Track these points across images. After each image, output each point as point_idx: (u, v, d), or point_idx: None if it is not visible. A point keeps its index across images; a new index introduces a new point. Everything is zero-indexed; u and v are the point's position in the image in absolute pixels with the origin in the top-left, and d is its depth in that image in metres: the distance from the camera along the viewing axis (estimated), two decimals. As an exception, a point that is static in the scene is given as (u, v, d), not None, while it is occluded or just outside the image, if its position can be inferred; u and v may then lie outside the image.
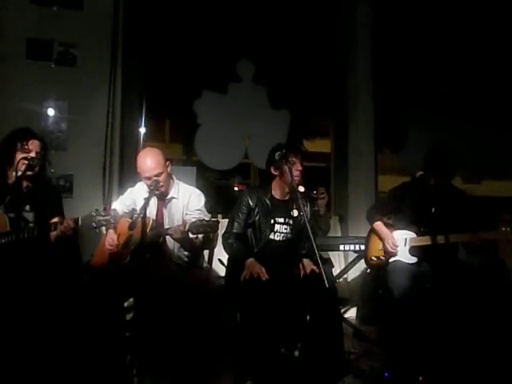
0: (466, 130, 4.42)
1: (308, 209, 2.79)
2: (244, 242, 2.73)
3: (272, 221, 2.73)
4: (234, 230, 2.74)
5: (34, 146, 2.52)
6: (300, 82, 4.32)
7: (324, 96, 4.45)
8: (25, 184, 2.53)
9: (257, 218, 2.72)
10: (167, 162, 2.67)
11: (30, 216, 2.49)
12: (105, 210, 2.49)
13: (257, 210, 2.72)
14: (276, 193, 2.79)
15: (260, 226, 2.72)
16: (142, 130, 3.94)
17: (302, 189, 2.53)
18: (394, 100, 4.48)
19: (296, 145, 2.96)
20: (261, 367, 2.41)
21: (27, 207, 2.49)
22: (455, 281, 2.75)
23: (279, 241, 2.74)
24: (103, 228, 2.56)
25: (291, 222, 2.74)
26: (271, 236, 2.73)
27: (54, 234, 2.41)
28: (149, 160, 2.59)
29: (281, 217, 2.75)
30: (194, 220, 2.38)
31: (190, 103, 4.04)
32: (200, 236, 2.50)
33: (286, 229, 2.75)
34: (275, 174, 2.75)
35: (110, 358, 2.41)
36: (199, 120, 4.07)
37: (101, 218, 2.32)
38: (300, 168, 2.70)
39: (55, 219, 2.39)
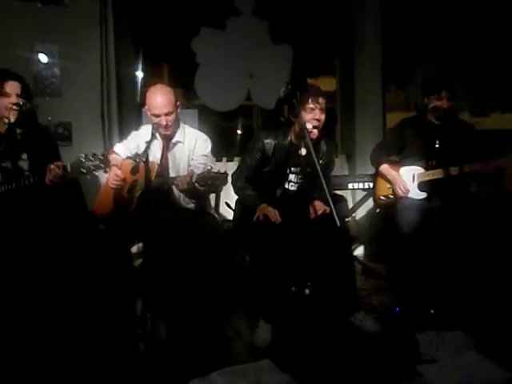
0: (473, 64, 4.24)
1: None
2: (255, 186, 2.65)
3: (288, 170, 2.64)
4: (246, 173, 2.65)
5: (12, 88, 2.37)
6: (303, 16, 4.06)
7: (329, 31, 4.20)
8: (18, 131, 2.42)
9: (272, 167, 2.61)
10: (178, 103, 2.58)
11: (25, 165, 2.41)
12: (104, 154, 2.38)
13: (273, 158, 2.59)
14: (296, 139, 2.61)
15: (275, 175, 2.62)
16: (140, 73, 3.78)
17: (309, 125, 2.42)
18: (402, 35, 4.26)
19: (316, 87, 2.68)
20: (272, 306, 2.44)
21: (24, 156, 2.41)
22: (465, 214, 2.72)
23: (293, 190, 2.67)
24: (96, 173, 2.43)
25: (308, 169, 2.57)
26: (285, 185, 2.66)
27: (46, 178, 2.32)
28: (160, 97, 2.50)
29: (296, 166, 2.63)
30: (201, 171, 2.28)
31: (188, 42, 3.83)
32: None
33: (300, 178, 2.65)
34: (292, 119, 2.56)
35: (119, 304, 2.43)
36: (198, 59, 3.87)
37: (90, 164, 2.21)
38: (317, 117, 2.49)
39: (52, 165, 2.31)
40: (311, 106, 2.49)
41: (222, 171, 2.20)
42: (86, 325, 2.32)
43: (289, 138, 2.63)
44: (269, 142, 2.60)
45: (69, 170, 2.27)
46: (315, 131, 2.51)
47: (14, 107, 2.32)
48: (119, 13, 3.48)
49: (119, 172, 2.48)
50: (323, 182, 2.18)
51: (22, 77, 2.46)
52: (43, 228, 2.34)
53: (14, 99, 2.35)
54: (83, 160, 2.21)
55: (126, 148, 2.72)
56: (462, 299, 2.59)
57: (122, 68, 3.56)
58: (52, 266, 2.34)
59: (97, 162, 2.20)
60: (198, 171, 2.32)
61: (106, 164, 2.22)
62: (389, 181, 2.97)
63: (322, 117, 2.52)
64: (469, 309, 2.49)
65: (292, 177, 2.67)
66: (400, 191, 2.88)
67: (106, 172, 2.36)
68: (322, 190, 2.27)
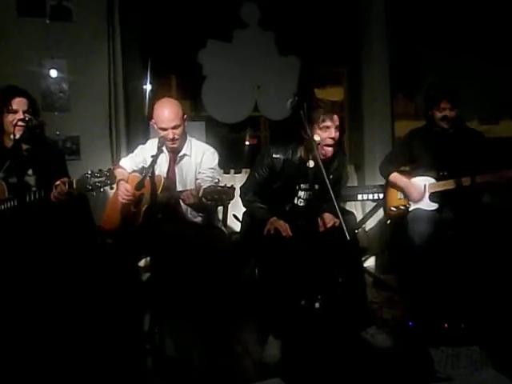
0: (482, 71, 4.19)
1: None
2: (263, 199, 2.60)
3: (297, 187, 2.59)
4: (255, 187, 2.60)
5: (19, 104, 2.38)
6: (310, 26, 4.06)
7: (335, 41, 4.19)
8: (24, 147, 2.43)
9: (282, 183, 2.55)
10: (184, 116, 2.57)
11: (31, 180, 2.41)
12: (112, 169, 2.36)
13: (282, 174, 2.53)
14: (306, 157, 2.50)
15: (284, 192, 2.58)
16: (148, 86, 3.79)
17: (317, 138, 2.38)
18: (409, 43, 4.23)
19: (329, 103, 2.53)
20: (281, 321, 2.39)
21: (30, 171, 2.41)
22: (478, 226, 2.66)
23: (302, 206, 2.62)
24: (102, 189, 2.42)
25: (317, 186, 2.48)
26: (295, 201, 2.62)
27: (52, 196, 2.31)
28: (167, 110, 2.49)
29: (306, 183, 2.56)
30: (208, 185, 2.24)
31: (195, 54, 3.84)
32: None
33: (310, 195, 2.58)
34: (305, 137, 2.41)
35: (127, 319, 2.40)
36: (205, 71, 3.88)
37: (96, 180, 2.18)
38: (332, 135, 2.40)
39: (58, 182, 2.30)
40: (326, 124, 2.41)
41: (229, 185, 2.16)
42: (93, 340, 2.30)
43: (299, 154, 2.55)
44: (278, 158, 2.53)
45: (74, 186, 2.26)
46: (330, 149, 2.45)
47: (20, 123, 2.32)
48: (126, 27, 3.51)
49: (129, 186, 2.46)
50: (332, 195, 2.13)
51: (28, 93, 2.47)
52: (49, 244, 2.33)
53: (20, 115, 2.36)
54: (89, 176, 2.19)
55: (132, 162, 2.72)
56: (477, 313, 2.52)
57: (130, 81, 3.58)
58: (58, 282, 2.32)
59: (103, 179, 2.18)
60: (205, 184, 2.28)
61: (112, 180, 2.20)
62: (401, 189, 2.92)
63: (337, 134, 2.44)
64: (484, 323, 2.42)
65: (301, 194, 2.62)
66: (413, 196, 2.83)
67: (111, 189, 2.33)
68: (330, 202, 2.23)
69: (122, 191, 2.48)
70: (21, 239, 2.29)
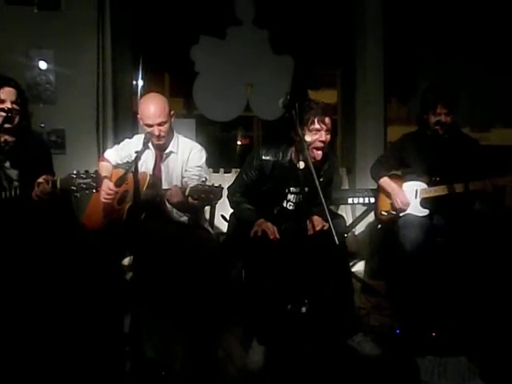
0: (475, 78, 4.18)
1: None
2: (252, 200, 2.55)
3: (287, 190, 2.54)
4: (242, 188, 2.55)
5: (7, 94, 2.29)
6: (304, 26, 4.02)
7: (330, 42, 4.16)
8: (3, 138, 2.33)
9: (271, 186, 2.50)
10: (171, 112, 2.49)
11: (13, 174, 2.32)
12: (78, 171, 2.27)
13: (271, 177, 2.48)
14: (295, 159, 2.44)
15: (273, 195, 2.53)
16: (138, 82, 3.71)
17: (308, 138, 2.33)
18: (404, 48, 4.21)
19: (321, 105, 2.43)
20: (266, 325, 2.33)
21: (7, 164, 2.31)
22: (468, 233, 2.63)
23: (291, 210, 2.57)
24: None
25: (307, 189, 2.38)
26: (284, 204, 2.57)
27: (34, 193, 2.24)
28: (153, 106, 2.40)
29: (297, 186, 2.50)
30: (195, 183, 2.17)
31: (187, 51, 3.77)
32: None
33: (299, 198, 2.53)
34: (296, 139, 2.35)
35: (108, 320, 2.33)
36: (197, 68, 3.82)
37: (81, 181, 2.11)
38: (323, 138, 2.35)
39: (41, 178, 2.22)
40: (317, 126, 2.35)
41: (216, 185, 2.09)
42: (73, 340, 2.22)
43: (289, 156, 2.49)
44: (268, 160, 2.48)
45: (58, 186, 2.18)
46: (319, 152, 2.39)
47: (8, 114, 2.23)
48: (117, 19, 3.45)
49: (111, 185, 2.38)
50: (322, 199, 2.07)
51: (17, 82, 2.38)
52: (28, 241, 2.24)
53: (8, 105, 2.27)
54: (74, 177, 2.12)
55: (117, 154, 2.64)
56: (466, 322, 2.48)
57: (119, 76, 3.51)
58: (38, 280, 2.24)
59: (88, 180, 2.10)
60: (191, 183, 2.21)
61: (97, 183, 2.11)
62: (388, 194, 2.89)
63: (328, 137, 2.38)
64: (473, 332, 2.38)
65: (291, 197, 2.56)
66: (398, 204, 2.80)
67: (96, 191, 2.24)
68: (320, 206, 2.17)
69: (104, 189, 2.39)
70: None
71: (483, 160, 2.78)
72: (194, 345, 2.30)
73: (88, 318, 2.33)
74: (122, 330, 2.33)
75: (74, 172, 2.12)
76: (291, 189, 2.54)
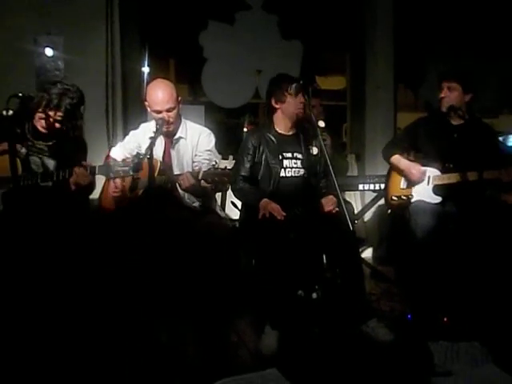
0: (484, 64, 4.13)
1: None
2: (254, 184, 2.59)
3: (280, 156, 2.59)
4: (242, 173, 2.59)
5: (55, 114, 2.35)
6: (314, 11, 3.97)
7: (340, 26, 4.12)
8: (49, 134, 2.40)
9: (263, 156, 2.58)
10: (179, 98, 2.49)
11: (50, 164, 2.41)
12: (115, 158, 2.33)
13: (261, 147, 2.58)
14: (279, 127, 2.64)
15: (268, 164, 2.57)
16: (146, 69, 3.69)
17: (322, 124, 2.33)
18: (415, 34, 4.16)
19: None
20: (279, 309, 2.35)
21: (47, 153, 2.41)
22: (481, 221, 2.61)
23: (291, 177, 2.60)
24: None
25: (299, 156, 2.61)
26: (282, 173, 2.59)
27: (72, 180, 2.30)
28: (161, 92, 2.41)
29: (288, 151, 2.61)
30: (206, 167, 2.19)
31: (196, 36, 3.74)
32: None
33: (295, 163, 2.61)
34: (276, 106, 2.59)
35: (121, 306, 2.35)
36: (205, 54, 3.80)
37: (119, 168, 2.18)
38: (302, 100, 2.53)
39: (77, 168, 2.29)
40: (296, 90, 2.55)
41: (229, 167, 2.10)
42: (84, 328, 2.25)
43: (275, 127, 2.64)
44: (256, 136, 2.61)
45: (96, 172, 2.24)
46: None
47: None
48: (126, 5, 3.43)
49: (118, 182, 2.40)
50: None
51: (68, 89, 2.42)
52: (54, 227, 2.30)
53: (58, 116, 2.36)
54: (112, 164, 2.19)
55: (124, 150, 2.62)
56: (478, 306, 2.48)
57: (128, 62, 3.50)
58: (54, 272, 2.27)
59: (126, 168, 2.16)
60: (202, 167, 2.24)
61: (135, 169, 2.15)
62: (401, 171, 2.85)
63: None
64: (485, 318, 2.38)
65: (286, 162, 2.61)
66: (414, 176, 2.77)
67: (135, 178, 2.31)
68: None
69: (111, 186, 2.43)
70: (29, 220, 2.26)
71: (498, 147, 2.75)
72: (207, 329, 2.32)
73: (101, 304, 2.36)
74: (137, 316, 2.35)
75: (112, 159, 2.22)
76: (284, 154, 2.61)
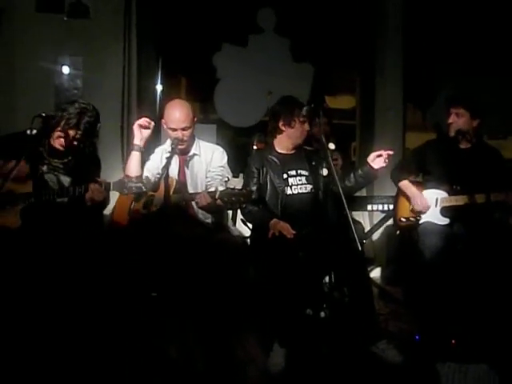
0: (492, 86, 4.17)
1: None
2: (263, 205, 2.64)
3: (284, 175, 2.65)
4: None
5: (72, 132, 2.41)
6: (325, 34, 4.07)
7: (350, 49, 4.20)
8: (66, 152, 2.47)
9: (268, 177, 2.64)
10: (195, 119, 2.60)
11: (66, 181, 2.46)
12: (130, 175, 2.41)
13: (265, 169, 2.65)
14: (281, 148, 2.71)
15: (274, 184, 2.63)
16: (161, 86, 3.79)
17: (332, 146, 2.40)
18: (424, 55, 4.23)
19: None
20: (288, 327, 2.37)
21: (62, 170, 2.46)
22: (490, 243, 2.63)
23: (298, 194, 2.65)
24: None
25: (304, 172, 2.67)
26: (288, 191, 2.64)
27: (88, 196, 2.36)
28: (178, 111, 2.52)
29: (292, 169, 2.67)
30: (219, 183, 2.30)
31: (209, 57, 3.85)
32: None
33: (300, 180, 2.67)
34: (283, 129, 2.65)
35: (131, 320, 2.38)
36: (218, 74, 3.90)
37: (132, 185, 2.24)
38: (308, 128, 2.61)
39: (93, 185, 2.35)
40: (305, 118, 2.62)
41: (246, 188, 2.18)
42: (93, 342, 2.28)
43: (275, 148, 2.71)
44: (257, 159, 2.70)
45: (111, 189, 2.30)
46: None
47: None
48: (143, 27, 3.53)
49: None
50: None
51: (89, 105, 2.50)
52: (70, 241, 2.36)
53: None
54: (126, 180, 2.25)
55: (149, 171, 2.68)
56: (486, 329, 2.49)
57: (144, 81, 3.60)
58: (69, 286, 2.32)
59: (139, 185, 2.22)
60: (214, 183, 2.36)
61: (147, 188, 2.22)
62: (408, 197, 2.90)
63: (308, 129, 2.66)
64: (493, 340, 2.39)
65: (291, 180, 2.67)
66: (418, 207, 2.81)
67: (147, 195, 2.37)
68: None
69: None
70: (45, 235, 2.32)
71: (505, 171, 2.78)
72: (216, 346, 2.34)
73: (112, 318, 2.39)
74: (146, 329, 2.38)
75: (125, 176, 2.29)
76: (289, 172, 2.67)
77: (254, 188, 2.63)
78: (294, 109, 2.62)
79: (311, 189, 2.66)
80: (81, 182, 2.37)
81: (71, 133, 2.39)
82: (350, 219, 2.14)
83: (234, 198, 2.15)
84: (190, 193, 2.51)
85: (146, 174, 2.69)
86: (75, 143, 2.43)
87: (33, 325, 2.23)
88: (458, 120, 2.77)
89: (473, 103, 2.79)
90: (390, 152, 2.43)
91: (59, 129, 2.39)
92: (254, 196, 2.62)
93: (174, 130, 2.51)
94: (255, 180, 2.65)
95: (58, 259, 2.31)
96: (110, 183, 2.32)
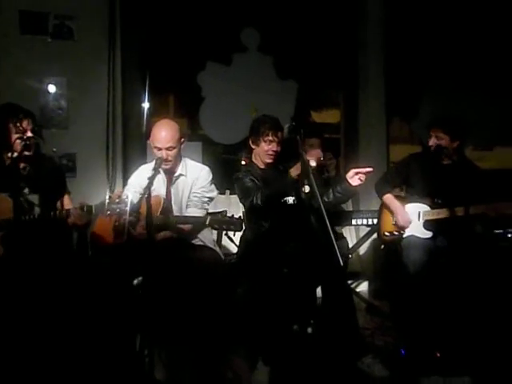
0: (477, 97, 4.26)
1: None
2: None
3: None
4: (247, 218, 2.70)
5: (27, 124, 2.38)
6: (308, 51, 4.13)
7: (333, 65, 4.27)
8: (22, 165, 2.43)
9: (259, 195, 2.62)
10: (182, 139, 2.62)
11: (34, 198, 2.42)
12: (112, 196, 2.40)
13: (258, 186, 2.66)
14: (258, 163, 2.80)
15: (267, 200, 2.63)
16: (146, 105, 3.82)
17: (313, 163, 2.42)
18: (406, 69, 4.31)
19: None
20: (272, 345, 2.37)
21: (26, 190, 2.41)
22: (472, 255, 2.67)
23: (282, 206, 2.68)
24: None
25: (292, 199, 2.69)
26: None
27: (70, 221, 2.35)
28: (164, 131, 2.54)
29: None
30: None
31: (194, 76, 3.89)
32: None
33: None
34: (252, 147, 2.76)
35: (118, 340, 2.37)
36: (203, 93, 3.93)
37: (115, 206, 2.25)
38: (275, 148, 2.69)
39: (68, 205, 2.36)
40: (270, 138, 2.69)
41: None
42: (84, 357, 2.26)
43: (254, 163, 2.80)
44: (248, 173, 2.74)
45: (93, 211, 2.30)
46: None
47: (27, 142, 2.34)
48: (127, 48, 3.55)
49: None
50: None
51: (30, 111, 2.48)
52: (51, 260, 2.34)
53: (29, 134, 2.37)
54: (108, 202, 2.25)
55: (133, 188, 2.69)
56: (470, 341, 2.51)
57: (128, 101, 3.61)
58: (53, 307, 2.30)
59: (122, 205, 2.22)
60: (191, 204, 2.49)
61: (133, 209, 2.20)
62: (391, 211, 2.94)
63: (279, 149, 2.72)
64: (477, 352, 2.41)
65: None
66: (400, 222, 2.85)
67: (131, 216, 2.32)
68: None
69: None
70: (23, 256, 2.29)
71: (484, 186, 2.81)
72: (201, 364, 2.33)
73: (99, 338, 2.37)
74: (132, 350, 2.37)
75: (108, 196, 2.27)
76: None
77: (259, 195, 2.60)
78: (261, 128, 2.68)
79: (294, 199, 2.68)
80: (48, 197, 2.36)
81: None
82: (332, 235, 2.16)
83: (224, 226, 2.19)
84: (175, 216, 2.52)
85: (126, 190, 2.71)
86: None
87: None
88: (438, 142, 2.82)
89: (453, 126, 2.84)
90: (369, 169, 2.44)
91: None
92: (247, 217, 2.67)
93: (159, 149, 2.53)
94: (255, 187, 2.65)
95: (44, 283, 2.30)
96: (91, 206, 2.31)
